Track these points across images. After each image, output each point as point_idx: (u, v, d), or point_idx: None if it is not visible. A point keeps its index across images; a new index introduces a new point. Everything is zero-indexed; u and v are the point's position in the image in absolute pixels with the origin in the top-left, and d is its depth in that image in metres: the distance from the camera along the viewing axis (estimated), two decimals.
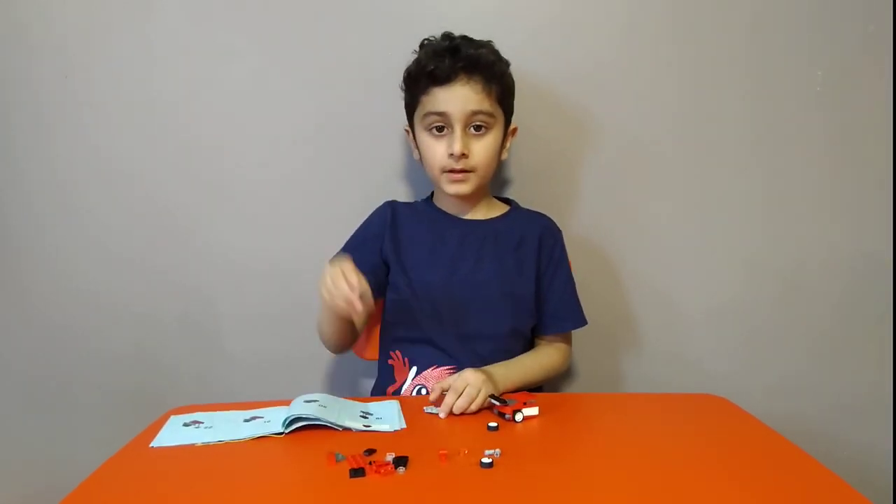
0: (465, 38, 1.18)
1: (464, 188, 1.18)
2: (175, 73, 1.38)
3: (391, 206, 1.27)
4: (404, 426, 0.92)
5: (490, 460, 0.78)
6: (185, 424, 0.94)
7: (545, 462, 0.82)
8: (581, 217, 1.39)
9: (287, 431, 0.89)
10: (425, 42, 1.21)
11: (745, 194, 1.40)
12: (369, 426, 0.91)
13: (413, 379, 1.18)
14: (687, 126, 1.38)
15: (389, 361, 1.22)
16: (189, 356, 1.44)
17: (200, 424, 0.94)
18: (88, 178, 1.40)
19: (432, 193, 1.30)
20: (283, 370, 1.44)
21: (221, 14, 1.36)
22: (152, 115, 1.38)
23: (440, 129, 1.16)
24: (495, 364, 1.13)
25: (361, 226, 1.26)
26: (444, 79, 1.13)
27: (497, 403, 0.96)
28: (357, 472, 0.76)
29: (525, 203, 1.32)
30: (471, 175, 1.17)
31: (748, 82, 1.37)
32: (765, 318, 1.42)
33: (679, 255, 1.41)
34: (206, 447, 0.86)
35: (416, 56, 1.20)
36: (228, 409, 0.99)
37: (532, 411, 0.95)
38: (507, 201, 1.31)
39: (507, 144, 1.24)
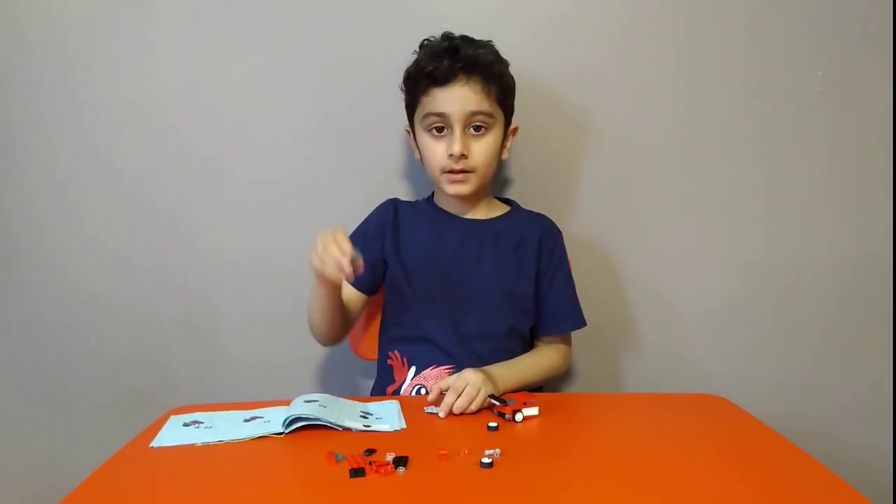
0: (464, 38, 1.18)
1: (464, 188, 1.18)
2: (175, 73, 1.38)
3: (393, 204, 1.27)
4: (404, 426, 0.92)
5: (490, 460, 0.78)
6: (185, 424, 0.94)
7: (545, 462, 0.82)
8: (581, 217, 1.39)
9: (287, 431, 0.89)
10: (425, 42, 1.21)
11: (745, 194, 1.40)
12: (369, 426, 0.91)
13: (412, 379, 1.18)
14: (687, 126, 1.38)
15: (388, 361, 1.22)
16: (189, 356, 1.44)
17: (200, 424, 0.94)
18: (88, 178, 1.40)
19: (433, 193, 1.30)
20: (283, 370, 1.44)
21: (221, 14, 1.36)
22: (152, 115, 1.38)
23: (440, 129, 1.16)
24: (495, 364, 1.13)
25: (363, 222, 1.26)
26: (443, 79, 1.14)
27: (497, 403, 0.96)
28: (357, 472, 0.76)
29: (525, 203, 1.32)
30: (471, 175, 1.17)
31: (748, 82, 1.37)
32: (765, 319, 1.42)
33: (679, 255, 1.41)
34: (206, 447, 0.86)
35: (415, 56, 1.20)
36: (228, 409, 0.99)
37: (532, 411, 0.95)
38: (507, 202, 1.31)
39: (508, 144, 1.24)
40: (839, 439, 1.42)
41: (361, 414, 0.96)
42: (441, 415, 0.96)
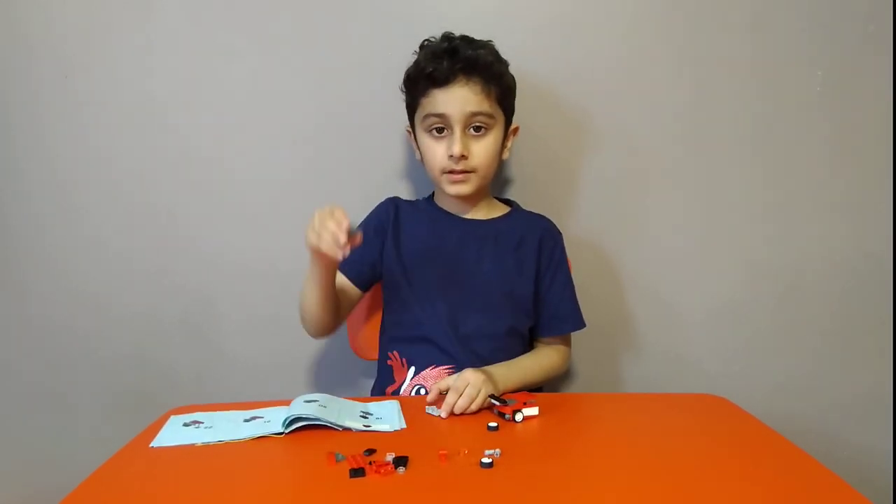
0: (464, 38, 1.18)
1: (464, 189, 1.18)
2: (175, 73, 1.38)
3: (394, 203, 1.27)
4: (404, 426, 0.92)
5: (490, 460, 0.78)
6: (185, 424, 0.94)
7: (545, 462, 0.82)
8: (581, 217, 1.39)
9: (287, 431, 0.89)
10: (425, 43, 1.21)
11: (745, 194, 1.40)
12: (369, 426, 0.91)
13: (412, 379, 1.18)
14: (687, 126, 1.38)
15: (388, 362, 1.22)
16: (189, 356, 1.44)
17: (200, 424, 0.94)
18: (88, 178, 1.40)
19: (434, 192, 1.30)
20: (283, 370, 1.44)
21: (221, 14, 1.36)
22: (152, 116, 1.38)
23: (440, 130, 1.16)
24: (495, 364, 1.13)
25: (365, 220, 1.26)
26: (442, 81, 1.14)
27: (497, 403, 0.96)
28: (357, 472, 0.76)
29: (525, 203, 1.32)
30: (471, 176, 1.17)
31: (748, 82, 1.37)
32: (765, 319, 1.42)
33: (679, 255, 1.41)
34: (206, 447, 0.86)
35: (415, 57, 1.20)
36: (228, 409, 0.99)
37: (532, 411, 0.95)
38: (507, 202, 1.31)
39: (509, 144, 1.24)
40: (839, 439, 1.42)
41: (361, 414, 0.96)
42: (443, 415, 0.96)
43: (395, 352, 1.21)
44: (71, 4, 1.36)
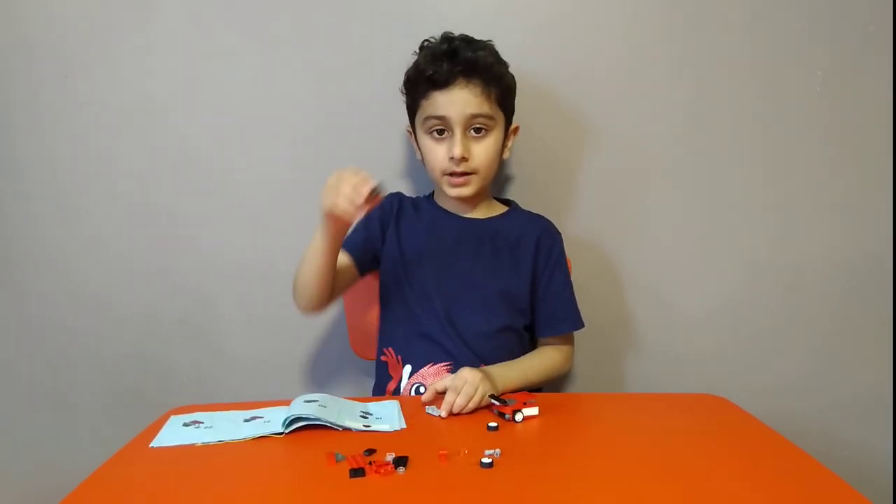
0: (464, 39, 1.18)
1: (466, 191, 1.18)
2: (175, 73, 1.38)
3: (398, 198, 1.27)
4: (404, 426, 0.92)
5: (490, 460, 0.78)
6: (185, 424, 0.94)
7: (545, 462, 0.82)
8: (581, 217, 1.39)
9: (287, 431, 0.89)
10: (424, 44, 1.21)
11: (745, 194, 1.40)
12: (369, 426, 0.91)
13: (410, 377, 1.18)
14: (687, 126, 1.38)
15: (383, 358, 1.22)
16: (189, 356, 1.44)
17: (200, 424, 0.94)
18: (88, 178, 1.40)
19: (434, 190, 1.30)
20: (283, 370, 1.44)
21: (221, 14, 1.36)
22: (152, 116, 1.38)
23: (440, 132, 1.16)
24: (496, 364, 1.13)
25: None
26: (442, 83, 1.14)
27: (497, 403, 0.96)
28: (357, 472, 0.76)
29: (525, 203, 1.32)
30: (472, 177, 1.18)
31: (748, 82, 1.36)
32: (765, 319, 1.42)
33: (679, 255, 1.41)
34: (206, 447, 0.86)
35: (415, 58, 1.20)
36: (228, 409, 0.99)
37: (532, 411, 0.95)
38: (506, 202, 1.31)
39: (509, 144, 1.24)
40: (839, 439, 1.42)
41: (361, 414, 0.96)
42: (443, 414, 0.96)
43: (390, 348, 1.21)
44: (71, 4, 1.36)
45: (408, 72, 1.20)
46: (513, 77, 1.21)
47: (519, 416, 0.94)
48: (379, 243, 1.23)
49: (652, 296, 1.42)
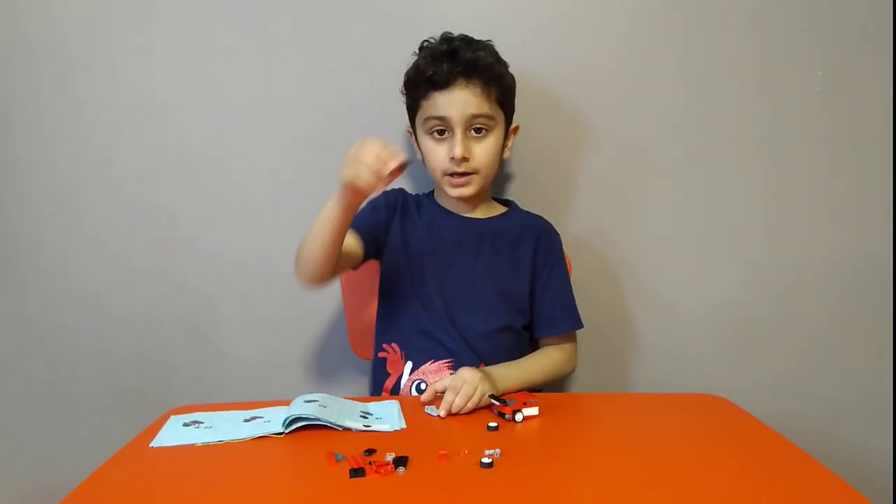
0: (463, 39, 1.18)
1: (467, 191, 1.19)
2: (175, 73, 1.38)
3: (402, 193, 1.27)
4: (404, 426, 0.92)
5: (490, 460, 0.78)
6: (185, 424, 0.94)
7: (545, 462, 0.82)
8: (580, 217, 1.39)
9: (287, 431, 0.89)
10: (424, 44, 1.21)
11: (745, 194, 1.40)
12: (369, 426, 0.91)
13: (411, 374, 1.18)
14: (687, 126, 1.38)
15: (381, 354, 1.21)
16: (189, 356, 1.44)
17: (200, 424, 0.94)
18: (88, 178, 1.40)
19: (434, 189, 1.30)
20: (283, 370, 1.43)
21: (221, 14, 1.36)
22: (152, 116, 1.38)
23: (441, 132, 1.16)
24: (497, 364, 1.13)
25: (374, 199, 1.20)
26: (442, 83, 1.14)
27: (497, 403, 0.96)
28: (357, 472, 0.76)
29: (524, 203, 1.32)
30: (473, 177, 1.18)
31: (748, 82, 1.36)
32: (765, 319, 1.42)
33: (679, 255, 1.41)
34: (206, 447, 0.86)
35: (415, 59, 1.20)
36: (228, 409, 0.99)
37: (532, 411, 0.95)
38: (506, 202, 1.31)
39: (509, 143, 1.24)
40: (839, 439, 1.42)
41: (361, 414, 0.96)
42: (442, 414, 0.96)
43: (393, 343, 1.20)
44: (71, 4, 1.36)
45: (408, 72, 1.21)
46: (513, 77, 1.21)
47: (519, 416, 0.94)
48: (384, 234, 1.23)
49: (652, 296, 1.42)
